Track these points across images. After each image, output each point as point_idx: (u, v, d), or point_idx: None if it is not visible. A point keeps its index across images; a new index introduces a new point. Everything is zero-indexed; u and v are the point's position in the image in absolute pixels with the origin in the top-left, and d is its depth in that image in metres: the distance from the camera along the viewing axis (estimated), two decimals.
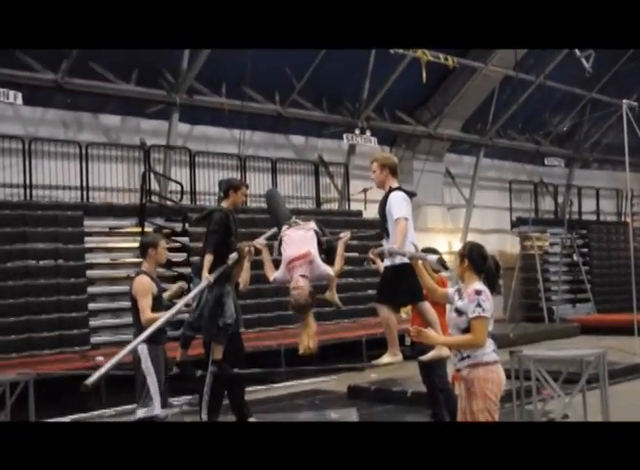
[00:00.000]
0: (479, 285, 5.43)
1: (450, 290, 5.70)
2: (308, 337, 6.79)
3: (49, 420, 9.38)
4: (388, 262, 6.64)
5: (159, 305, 6.82)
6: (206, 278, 7.11)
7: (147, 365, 6.61)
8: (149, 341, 6.63)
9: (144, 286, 6.72)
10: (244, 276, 8.14)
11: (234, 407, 8.31)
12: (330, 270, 6.85)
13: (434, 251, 7.57)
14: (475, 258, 5.49)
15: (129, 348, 6.40)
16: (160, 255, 6.98)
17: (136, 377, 6.68)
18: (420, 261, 6.07)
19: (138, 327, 6.67)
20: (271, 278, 6.99)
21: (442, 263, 5.83)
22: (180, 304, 6.91)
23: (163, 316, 6.62)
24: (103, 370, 5.94)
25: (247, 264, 8.08)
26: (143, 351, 6.62)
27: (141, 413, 6.61)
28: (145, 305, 6.62)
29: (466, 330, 5.44)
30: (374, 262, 7.28)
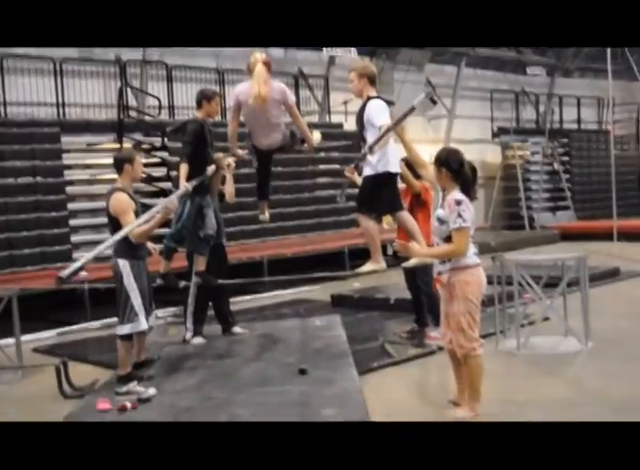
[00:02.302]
0: (458, 194, 5.44)
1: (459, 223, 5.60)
2: (258, 84, 6.86)
3: (34, 336, 9.47)
4: (369, 171, 6.60)
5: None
6: (184, 185, 7.06)
7: (129, 281, 6.57)
8: (129, 256, 6.60)
9: (123, 203, 6.61)
10: (229, 189, 8.16)
11: (219, 317, 8.40)
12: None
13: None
14: (451, 165, 5.47)
15: (107, 244, 6.35)
16: (136, 170, 6.85)
17: (118, 293, 6.66)
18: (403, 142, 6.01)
19: (117, 243, 6.61)
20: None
21: (431, 97, 5.68)
22: (159, 206, 6.84)
23: (146, 216, 6.57)
24: (78, 264, 5.95)
25: (229, 177, 8.07)
26: (125, 267, 6.58)
27: (126, 330, 6.61)
28: (129, 221, 6.52)
29: (448, 238, 5.48)
30: (351, 185, 7.16)
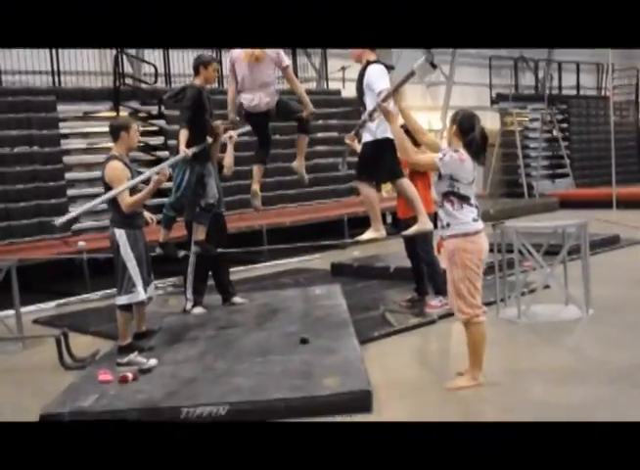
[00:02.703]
0: (460, 149, 5.42)
1: (443, 144, 5.65)
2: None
3: (34, 307, 9.46)
4: (368, 137, 6.56)
5: (133, 189, 6.65)
6: (183, 151, 6.98)
7: (126, 251, 6.52)
8: (126, 225, 6.55)
9: (117, 171, 6.54)
10: (227, 161, 8.06)
11: (219, 287, 8.39)
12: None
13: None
14: (462, 126, 5.45)
15: (101, 199, 6.35)
16: (132, 138, 6.76)
17: (116, 264, 6.63)
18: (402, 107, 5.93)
19: (113, 212, 6.58)
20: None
21: (431, 61, 5.63)
22: (151, 171, 6.77)
23: (140, 178, 6.54)
24: (73, 214, 5.97)
25: (230, 148, 7.98)
26: (121, 236, 6.53)
27: (124, 300, 6.58)
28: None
29: (446, 194, 5.45)
30: (352, 151, 7.12)
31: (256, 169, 7.65)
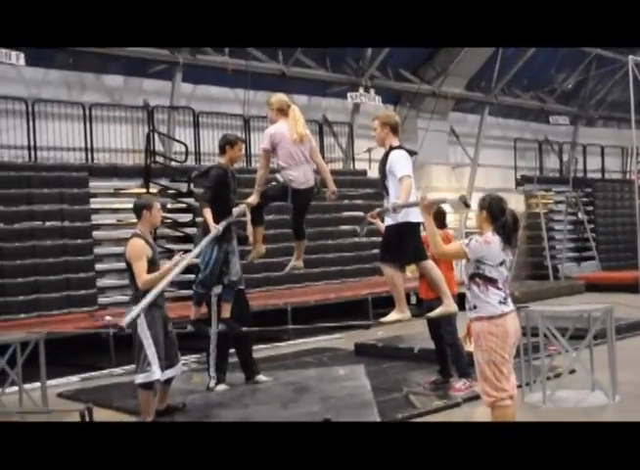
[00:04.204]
0: (488, 233, 5.45)
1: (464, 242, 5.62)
2: (303, 125, 7.11)
3: (58, 381, 9.50)
4: (390, 221, 6.62)
5: (154, 267, 6.75)
6: (215, 227, 7.08)
7: (142, 329, 6.57)
8: None
9: (137, 249, 6.67)
10: (258, 248, 8.08)
11: (243, 365, 8.39)
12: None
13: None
14: (493, 210, 5.49)
15: (159, 289, 6.36)
16: (154, 217, 6.90)
17: (134, 342, 6.66)
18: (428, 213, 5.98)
19: (134, 289, 6.65)
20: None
21: (464, 201, 5.69)
22: (189, 257, 6.88)
23: (179, 266, 6.59)
24: (137, 310, 6.04)
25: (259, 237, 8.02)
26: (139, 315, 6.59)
27: (140, 379, 6.60)
28: (140, 268, 6.58)
29: (472, 276, 5.46)
30: (372, 224, 7.25)
31: (297, 245, 7.76)
